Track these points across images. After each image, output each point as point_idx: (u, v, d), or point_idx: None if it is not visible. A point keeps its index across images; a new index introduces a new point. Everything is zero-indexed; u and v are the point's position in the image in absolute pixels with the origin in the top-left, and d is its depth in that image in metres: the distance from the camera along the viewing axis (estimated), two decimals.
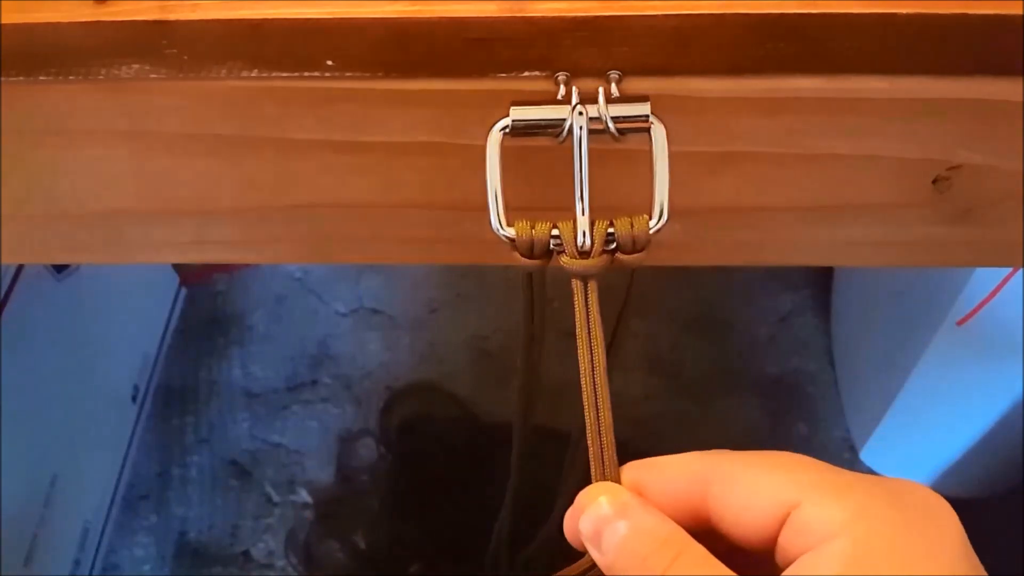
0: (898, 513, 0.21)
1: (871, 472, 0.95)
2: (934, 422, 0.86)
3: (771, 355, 1.05)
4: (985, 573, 0.21)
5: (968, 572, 0.20)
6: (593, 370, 0.25)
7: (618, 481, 0.24)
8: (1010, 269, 0.66)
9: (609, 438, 0.25)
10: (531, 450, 0.33)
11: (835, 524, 0.20)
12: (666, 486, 0.24)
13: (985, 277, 0.69)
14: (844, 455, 0.97)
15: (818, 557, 0.20)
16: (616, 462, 0.25)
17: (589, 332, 0.25)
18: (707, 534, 0.23)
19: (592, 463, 0.25)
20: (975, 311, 0.71)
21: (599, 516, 0.23)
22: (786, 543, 0.21)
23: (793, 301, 1.08)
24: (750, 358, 1.05)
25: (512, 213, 0.25)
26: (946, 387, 0.81)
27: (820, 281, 1.08)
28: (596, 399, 0.25)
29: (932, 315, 0.76)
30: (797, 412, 1.01)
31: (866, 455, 0.96)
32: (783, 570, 0.21)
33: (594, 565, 0.24)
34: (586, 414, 0.25)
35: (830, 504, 0.21)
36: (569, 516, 0.24)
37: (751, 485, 0.22)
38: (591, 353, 0.25)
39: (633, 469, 0.24)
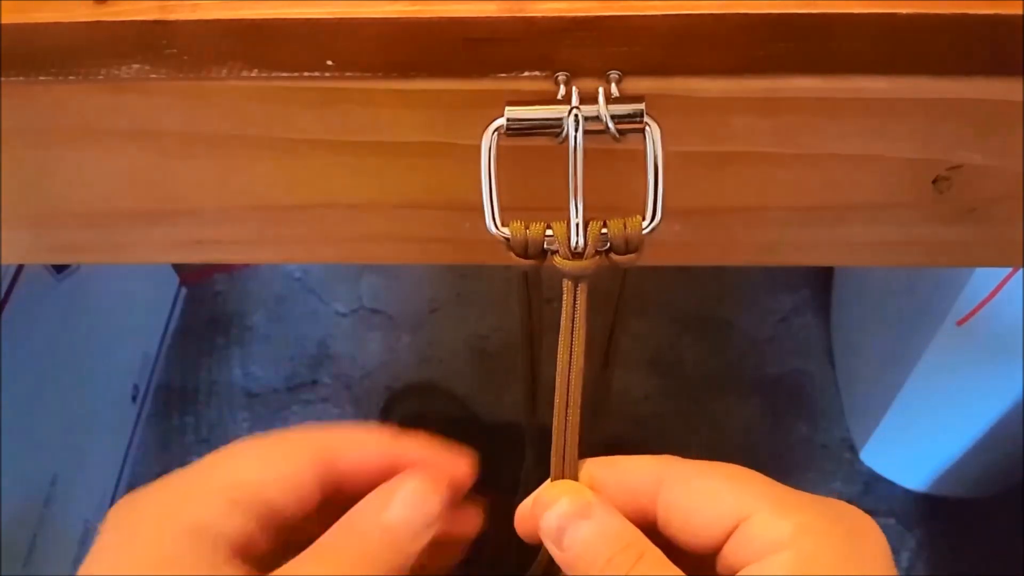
0: (837, 530, 0.22)
1: (872, 472, 0.96)
2: (934, 422, 0.86)
3: (771, 355, 1.05)
4: None
5: None
6: (570, 370, 0.25)
7: (576, 479, 0.25)
8: (1010, 269, 0.66)
9: (573, 438, 0.25)
10: (544, 450, 0.33)
11: (782, 538, 0.21)
12: (620, 485, 0.24)
13: (985, 277, 0.69)
14: (844, 455, 0.98)
15: (764, 567, 0.21)
16: (576, 461, 0.25)
17: (572, 334, 0.25)
18: (649, 535, 0.23)
19: (553, 459, 0.25)
20: (975, 311, 0.71)
21: (562, 514, 0.23)
22: (731, 553, 0.22)
23: (793, 301, 1.08)
24: (750, 358, 1.05)
25: (512, 213, 0.25)
26: (946, 387, 0.81)
27: (820, 281, 1.08)
28: (568, 399, 0.25)
29: (932, 315, 0.76)
30: (797, 412, 1.01)
31: (866, 455, 0.96)
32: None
33: (551, 563, 0.24)
34: (555, 413, 0.25)
35: (778, 519, 0.22)
36: (525, 510, 0.24)
37: (704, 492, 0.23)
38: (571, 354, 0.25)
39: (590, 466, 0.25)
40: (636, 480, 0.24)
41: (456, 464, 0.26)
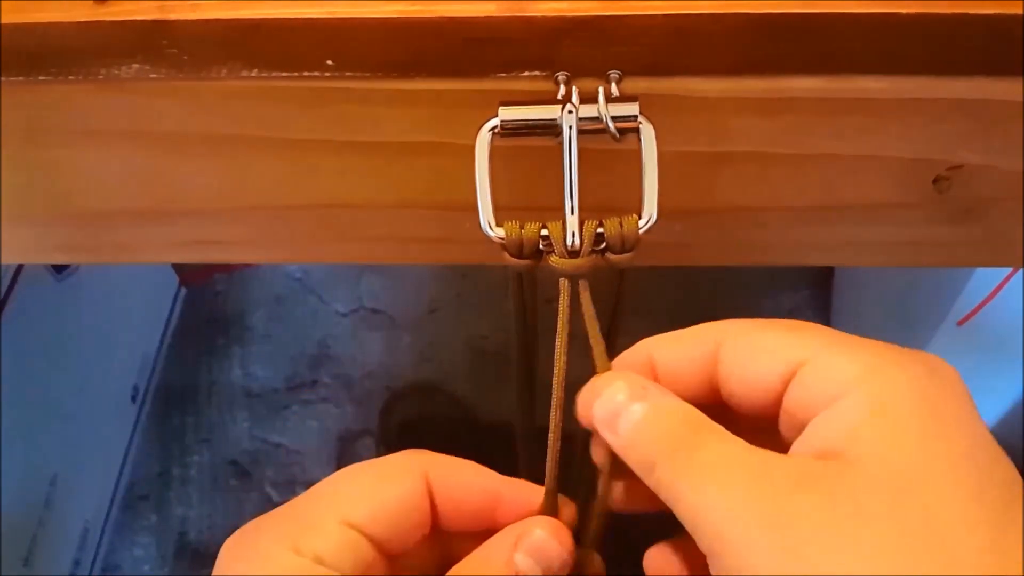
0: (912, 370, 0.20)
1: None
2: None
3: None
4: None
5: (977, 429, 0.20)
6: (562, 371, 0.25)
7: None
8: (1010, 269, 0.66)
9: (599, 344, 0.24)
10: (537, 451, 0.33)
11: (847, 379, 0.20)
12: (681, 356, 0.23)
13: (985, 277, 0.69)
14: None
15: (832, 416, 0.19)
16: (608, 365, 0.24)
17: (568, 333, 0.25)
18: (717, 414, 0.22)
19: (549, 464, 0.24)
20: (975, 311, 0.71)
21: (616, 400, 0.22)
22: (792, 405, 0.21)
23: (793, 301, 1.08)
24: None
25: (514, 214, 0.25)
26: None
27: (820, 281, 1.08)
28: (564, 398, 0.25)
29: (932, 315, 0.76)
30: None
31: None
32: (790, 444, 0.21)
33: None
34: (552, 413, 0.25)
35: (841, 360, 0.20)
36: (582, 399, 0.23)
37: (761, 343, 0.22)
38: (565, 355, 0.25)
39: (646, 345, 0.24)
40: (695, 349, 0.23)
41: (565, 511, 0.25)
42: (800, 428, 0.20)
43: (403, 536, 0.23)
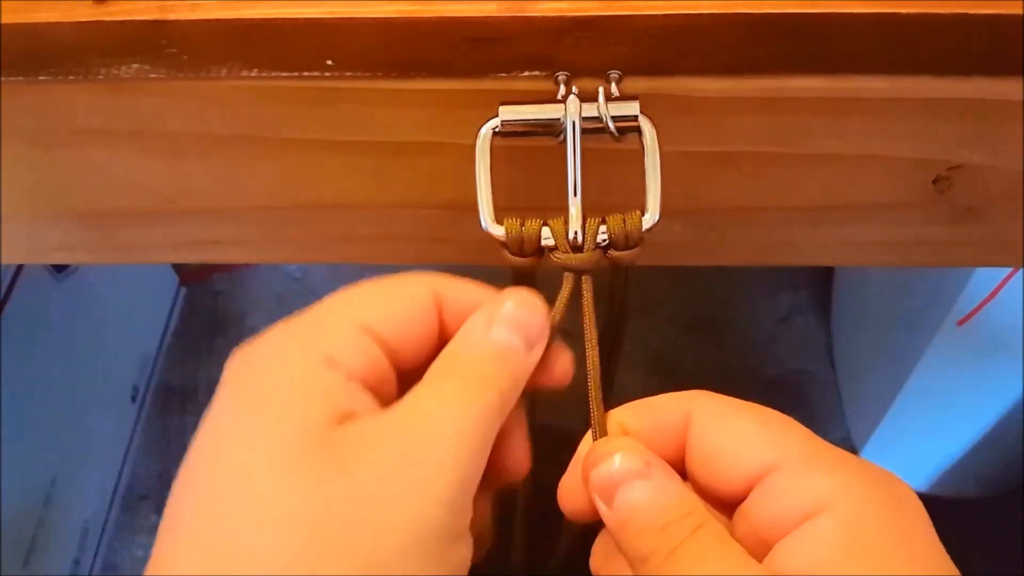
0: (879, 495, 0.20)
1: None
2: (934, 422, 0.86)
3: (771, 355, 1.05)
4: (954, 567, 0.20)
5: (943, 559, 0.20)
6: (593, 366, 0.25)
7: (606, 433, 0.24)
8: (1010, 269, 0.66)
9: (599, 400, 0.24)
10: (537, 451, 0.33)
11: (819, 498, 0.20)
12: (650, 426, 0.23)
13: (985, 277, 0.69)
14: None
15: (806, 536, 0.20)
16: (604, 417, 0.24)
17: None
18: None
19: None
20: (975, 311, 0.71)
21: (617, 470, 0.22)
22: (757, 505, 0.21)
23: (793, 301, 1.08)
24: (750, 358, 1.05)
25: (512, 214, 0.25)
26: (946, 387, 0.81)
27: (820, 281, 1.08)
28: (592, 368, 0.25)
29: (932, 315, 0.76)
30: (797, 412, 1.00)
31: (866, 455, 0.96)
32: (741, 529, 0.21)
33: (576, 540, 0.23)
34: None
35: (813, 475, 0.20)
36: (584, 460, 0.23)
37: (733, 432, 0.22)
38: (595, 334, 0.25)
39: (618, 414, 0.24)
40: (665, 419, 0.23)
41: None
42: (761, 534, 0.20)
43: (413, 343, 0.23)
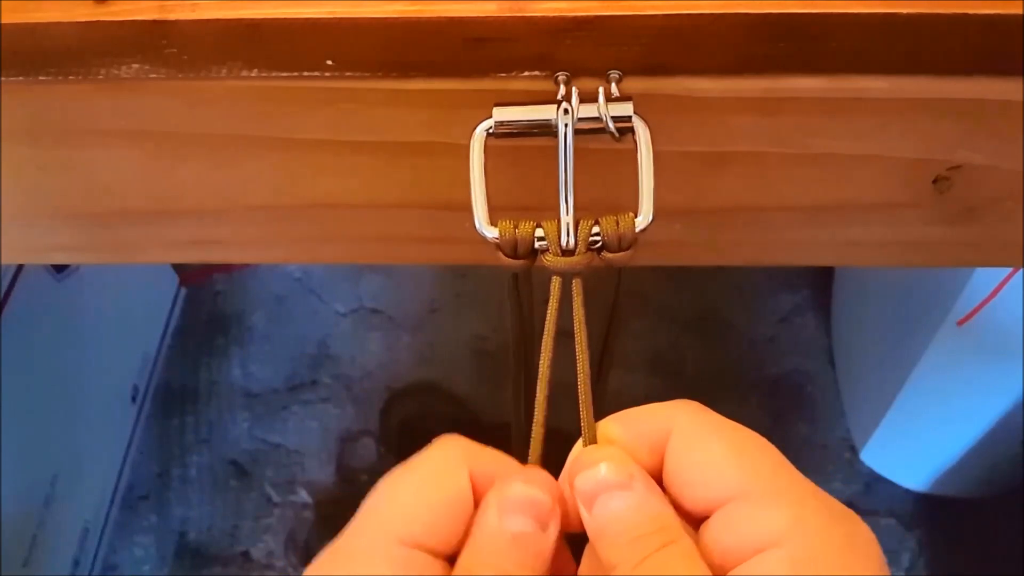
0: (836, 532, 0.21)
1: (872, 472, 0.96)
2: (934, 422, 0.86)
3: (771, 355, 1.05)
4: None
5: None
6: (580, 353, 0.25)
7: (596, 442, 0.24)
8: (1010, 269, 0.66)
9: (588, 408, 0.24)
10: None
11: (774, 532, 0.20)
12: (634, 437, 0.23)
13: (985, 277, 0.69)
14: (844, 455, 0.98)
15: (757, 567, 0.20)
16: (595, 434, 0.24)
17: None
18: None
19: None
20: (975, 311, 0.71)
21: (601, 479, 0.22)
22: (717, 531, 0.21)
23: (793, 301, 1.08)
24: (750, 358, 1.05)
25: (513, 215, 0.25)
26: (946, 387, 0.81)
27: (820, 281, 1.08)
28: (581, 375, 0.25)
29: (932, 315, 0.76)
30: (797, 412, 1.01)
31: (866, 455, 0.96)
32: (701, 547, 0.21)
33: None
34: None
35: (772, 508, 0.21)
36: (571, 465, 0.23)
37: (705, 454, 0.22)
38: (548, 354, 0.25)
39: (603, 426, 0.24)
40: (648, 430, 0.23)
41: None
42: (716, 560, 0.21)
43: (456, 535, 0.23)
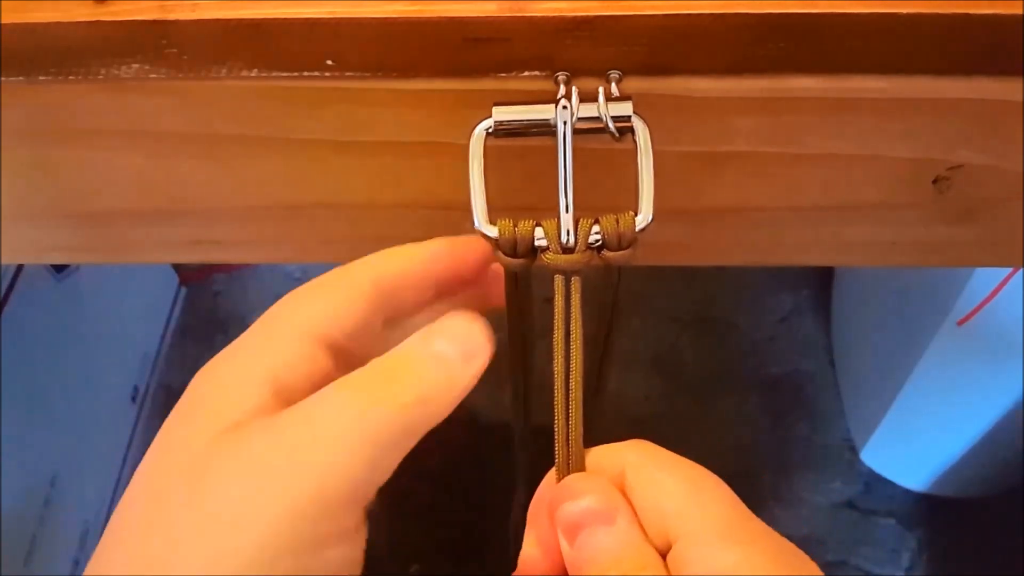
0: (783, 571, 0.20)
1: (872, 472, 0.96)
2: (934, 422, 0.86)
3: (771, 355, 1.05)
4: None
5: None
6: (568, 373, 0.25)
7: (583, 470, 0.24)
8: (1010, 269, 0.66)
9: (577, 430, 0.24)
10: (534, 451, 0.33)
11: (721, 572, 0.20)
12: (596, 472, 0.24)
13: (985, 277, 0.69)
14: (844, 455, 0.98)
15: None
16: (582, 452, 0.24)
17: (568, 326, 0.25)
18: None
19: (557, 451, 0.24)
20: (975, 311, 0.71)
21: (585, 510, 0.22)
22: (671, 565, 0.21)
23: (793, 301, 1.08)
24: (750, 358, 1.05)
25: (513, 215, 0.25)
26: (946, 387, 0.81)
27: (820, 281, 1.08)
28: (568, 399, 0.25)
29: (932, 315, 0.76)
30: (797, 412, 1.01)
31: (866, 455, 0.96)
32: None
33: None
34: (556, 413, 0.25)
35: (721, 548, 0.20)
36: (554, 493, 0.23)
37: (658, 494, 0.22)
38: (566, 357, 0.25)
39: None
40: (606, 467, 0.23)
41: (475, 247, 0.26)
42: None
43: (356, 334, 0.24)
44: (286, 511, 0.20)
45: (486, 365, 0.24)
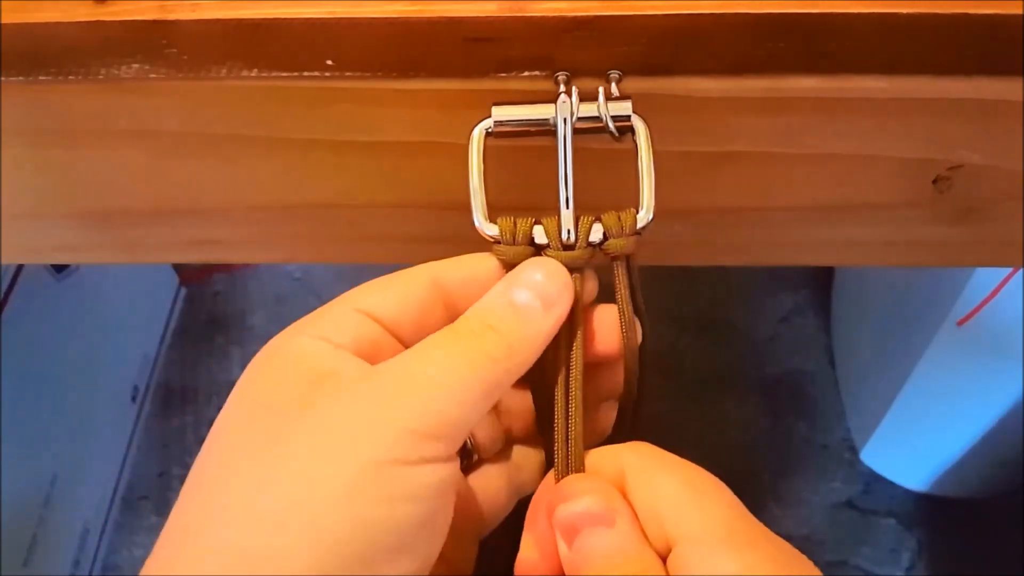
0: (784, 574, 0.20)
1: (872, 472, 0.96)
2: (934, 422, 0.86)
3: (771, 355, 1.05)
4: None
5: None
6: (568, 372, 0.24)
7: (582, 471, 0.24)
8: (1010, 269, 0.66)
9: (578, 428, 0.24)
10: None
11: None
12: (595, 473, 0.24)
13: (985, 277, 0.69)
14: (844, 455, 0.98)
15: None
16: (582, 453, 0.24)
17: (572, 325, 0.25)
18: None
19: (557, 452, 0.24)
20: (975, 311, 0.71)
21: (583, 512, 0.22)
22: (671, 568, 0.21)
23: (793, 301, 1.08)
24: (750, 358, 1.05)
25: (512, 213, 0.25)
26: (946, 387, 0.81)
27: (820, 281, 1.08)
28: (568, 399, 0.24)
29: (932, 315, 0.76)
30: (797, 412, 1.01)
31: (866, 455, 0.96)
32: None
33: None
34: (556, 413, 0.24)
35: (723, 553, 0.20)
36: (552, 494, 0.23)
37: (659, 496, 0.22)
38: (567, 356, 0.25)
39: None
40: (605, 468, 0.23)
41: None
42: None
43: (414, 323, 0.24)
44: (388, 436, 0.20)
45: (567, 313, 0.24)
